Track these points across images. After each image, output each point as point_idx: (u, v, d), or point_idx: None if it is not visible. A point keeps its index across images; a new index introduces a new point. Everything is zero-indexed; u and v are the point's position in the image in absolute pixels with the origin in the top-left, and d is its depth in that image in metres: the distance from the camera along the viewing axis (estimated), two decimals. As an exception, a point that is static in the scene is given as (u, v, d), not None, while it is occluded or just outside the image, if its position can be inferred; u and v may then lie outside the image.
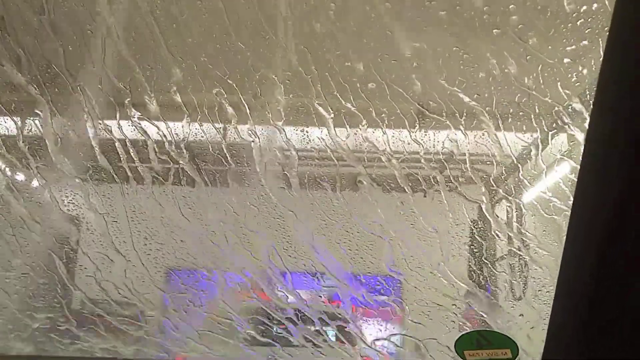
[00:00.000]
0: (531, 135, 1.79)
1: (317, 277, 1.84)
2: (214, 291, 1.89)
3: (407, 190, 1.85)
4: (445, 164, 1.88)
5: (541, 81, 1.72)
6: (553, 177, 1.81)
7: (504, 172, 1.86)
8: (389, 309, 1.82)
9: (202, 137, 1.93)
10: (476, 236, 1.86)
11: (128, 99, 1.87)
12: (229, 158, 1.91)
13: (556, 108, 1.72)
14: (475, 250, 1.85)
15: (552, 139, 1.78)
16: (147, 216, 1.91)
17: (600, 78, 0.67)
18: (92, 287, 1.84)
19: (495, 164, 1.85)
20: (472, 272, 1.82)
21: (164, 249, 1.92)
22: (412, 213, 1.83)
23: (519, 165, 1.84)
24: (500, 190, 1.86)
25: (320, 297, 1.86)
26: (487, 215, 1.85)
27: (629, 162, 0.61)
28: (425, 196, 1.86)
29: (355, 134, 1.86)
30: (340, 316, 1.80)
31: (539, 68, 1.71)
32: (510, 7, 1.70)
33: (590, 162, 0.68)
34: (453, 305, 1.75)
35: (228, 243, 1.85)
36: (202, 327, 1.83)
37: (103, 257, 1.86)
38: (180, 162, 1.89)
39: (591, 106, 0.70)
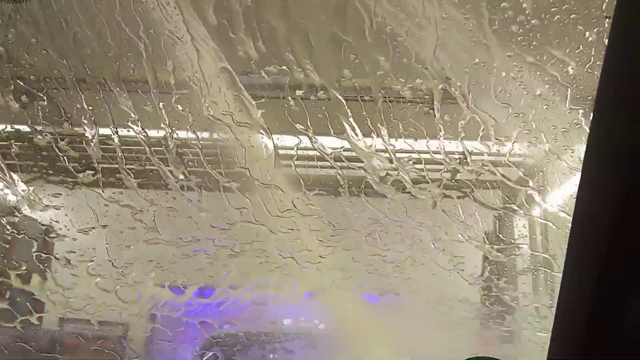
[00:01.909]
0: (554, 138, 1.79)
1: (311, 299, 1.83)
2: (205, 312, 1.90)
3: (413, 195, 1.81)
4: (459, 166, 1.83)
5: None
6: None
7: (524, 176, 1.80)
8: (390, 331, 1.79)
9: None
10: (492, 248, 1.81)
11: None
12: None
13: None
14: (491, 264, 1.80)
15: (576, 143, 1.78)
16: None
17: (602, 78, 0.71)
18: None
19: (514, 167, 1.80)
20: (488, 289, 1.79)
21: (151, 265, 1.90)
22: (418, 223, 1.80)
23: (542, 169, 1.81)
24: (521, 197, 1.81)
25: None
26: (505, 224, 1.82)
27: (630, 167, 0.65)
28: (434, 203, 1.82)
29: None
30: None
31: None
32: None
33: (590, 167, 0.72)
34: (464, 326, 1.74)
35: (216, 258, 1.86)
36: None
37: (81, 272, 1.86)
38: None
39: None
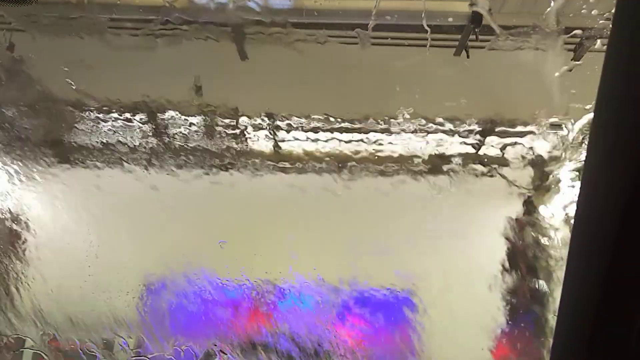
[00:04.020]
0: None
1: (314, 292, 1.77)
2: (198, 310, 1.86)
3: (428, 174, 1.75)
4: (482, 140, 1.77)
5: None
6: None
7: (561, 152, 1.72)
8: (400, 334, 1.73)
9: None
10: (519, 236, 1.72)
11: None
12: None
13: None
14: (517, 255, 1.71)
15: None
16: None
17: (603, 76, 0.74)
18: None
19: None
20: (513, 284, 1.70)
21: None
22: (434, 205, 1.73)
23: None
24: (554, 176, 1.73)
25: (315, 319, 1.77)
26: (535, 208, 1.73)
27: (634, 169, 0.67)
28: (450, 182, 1.75)
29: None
30: (337, 346, 1.73)
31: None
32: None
33: (592, 168, 0.75)
34: (484, 326, 1.65)
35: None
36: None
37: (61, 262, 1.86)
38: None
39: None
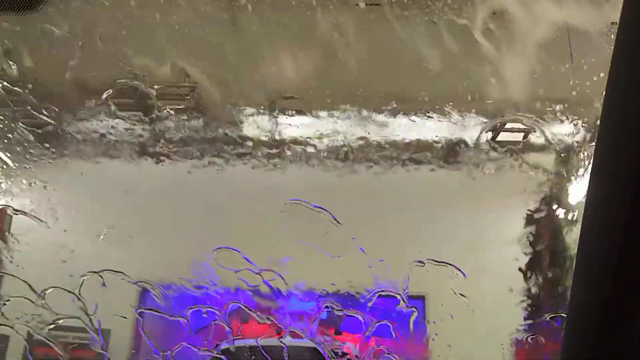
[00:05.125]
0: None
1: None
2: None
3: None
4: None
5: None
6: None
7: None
8: (407, 342, 1.69)
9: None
10: (542, 228, 1.66)
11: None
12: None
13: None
14: (538, 251, 1.66)
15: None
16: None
17: (612, 65, 0.76)
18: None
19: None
20: (534, 282, 1.64)
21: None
22: (447, 193, 1.70)
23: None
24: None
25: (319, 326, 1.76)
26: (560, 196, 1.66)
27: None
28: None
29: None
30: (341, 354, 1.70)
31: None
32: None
33: (602, 157, 0.77)
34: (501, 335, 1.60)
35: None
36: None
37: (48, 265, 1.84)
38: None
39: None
